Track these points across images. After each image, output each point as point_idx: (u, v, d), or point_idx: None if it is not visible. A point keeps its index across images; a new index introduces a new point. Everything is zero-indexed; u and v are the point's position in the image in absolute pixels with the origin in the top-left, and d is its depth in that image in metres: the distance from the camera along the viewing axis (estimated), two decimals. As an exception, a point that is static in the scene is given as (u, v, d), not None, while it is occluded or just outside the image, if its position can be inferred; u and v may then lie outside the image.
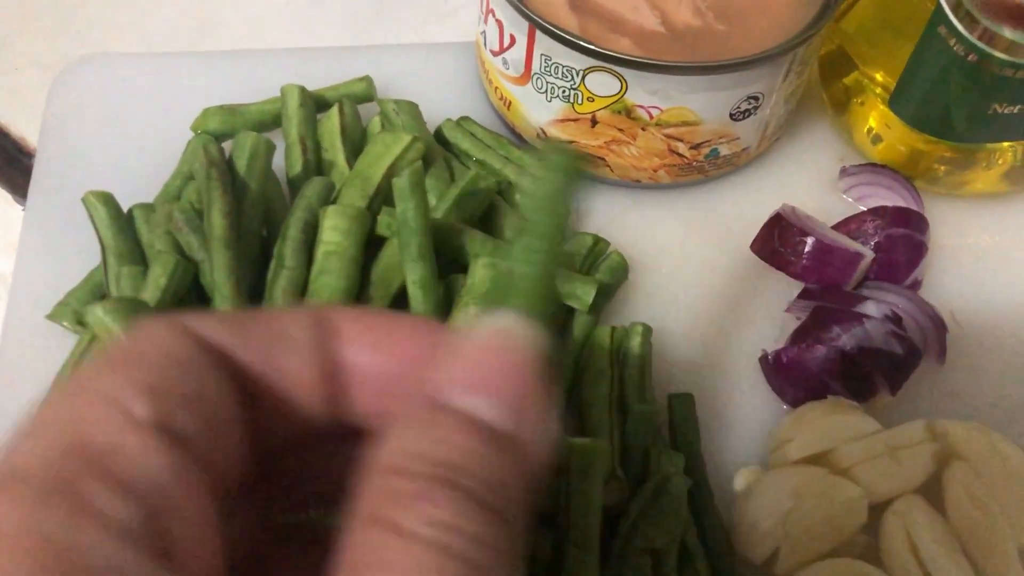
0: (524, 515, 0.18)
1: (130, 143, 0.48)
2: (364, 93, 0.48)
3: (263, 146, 0.41)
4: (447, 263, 0.40)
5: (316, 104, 0.47)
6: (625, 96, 0.42)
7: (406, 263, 0.37)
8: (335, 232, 0.37)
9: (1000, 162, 0.47)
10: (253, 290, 0.38)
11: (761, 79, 0.42)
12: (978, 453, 0.38)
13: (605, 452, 0.34)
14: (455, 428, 0.18)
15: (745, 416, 0.41)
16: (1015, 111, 0.42)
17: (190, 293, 0.37)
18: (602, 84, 0.42)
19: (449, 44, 0.53)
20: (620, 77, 0.41)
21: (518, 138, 0.48)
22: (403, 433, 0.19)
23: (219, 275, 0.35)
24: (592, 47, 0.40)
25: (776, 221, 0.43)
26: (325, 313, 0.21)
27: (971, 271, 0.47)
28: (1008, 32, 0.38)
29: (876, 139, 0.48)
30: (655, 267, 0.46)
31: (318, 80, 0.49)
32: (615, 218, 0.47)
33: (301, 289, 0.37)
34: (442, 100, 0.50)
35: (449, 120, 0.47)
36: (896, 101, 0.45)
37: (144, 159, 0.47)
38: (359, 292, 0.38)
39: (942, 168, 0.47)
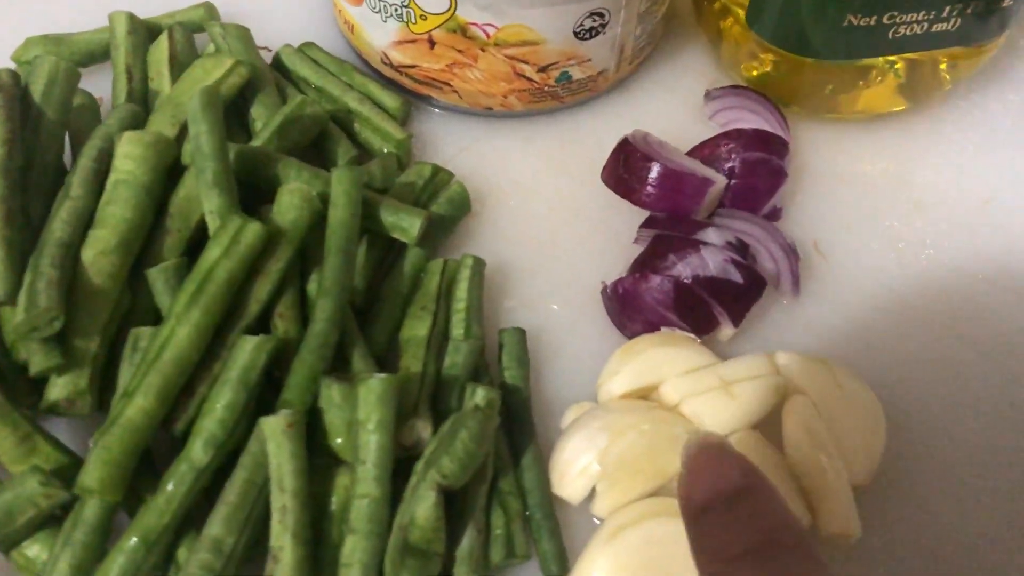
0: None
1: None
2: (204, 20, 0.45)
3: (63, 72, 0.38)
4: (261, 193, 0.38)
5: (151, 32, 0.44)
6: (457, 13, 0.39)
7: (202, 191, 0.35)
8: (128, 160, 0.35)
9: (879, 80, 0.44)
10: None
11: (602, -7, 0.39)
12: (818, 387, 0.36)
13: (396, 386, 0.31)
14: None
15: (585, 351, 0.39)
16: (872, 23, 0.39)
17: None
18: (431, 0, 0.39)
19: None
20: (448, -8, 0.38)
21: (366, 64, 0.46)
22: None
23: (-11, 204, 0.33)
24: (412, -42, 0.38)
25: (622, 148, 0.41)
26: None
27: (837, 199, 0.44)
28: (853, -66, 0.36)
29: (749, 62, 0.45)
30: (504, 199, 0.43)
31: (161, 9, 0.46)
32: (466, 147, 0.45)
33: (86, 220, 0.34)
34: (296, 28, 0.47)
35: (288, 46, 0.44)
36: (754, 19, 0.42)
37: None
38: (156, 224, 0.36)
39: (828, 87, 0.45)
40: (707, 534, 0.25)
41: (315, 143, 0.41)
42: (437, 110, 0.45)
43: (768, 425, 0.36)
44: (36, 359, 0.31)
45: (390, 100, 0.43)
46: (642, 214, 0.41)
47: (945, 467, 0.37)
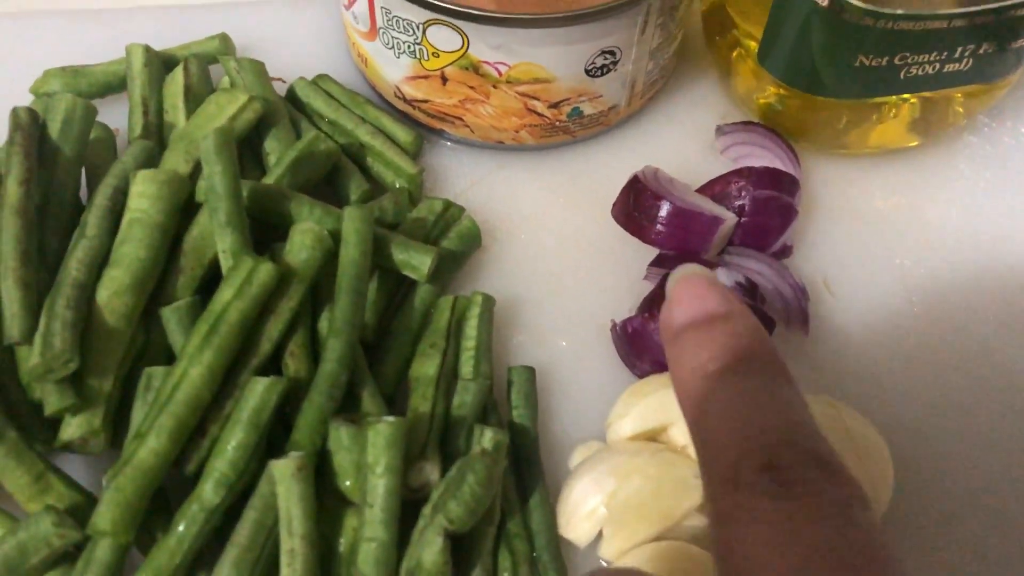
0: None
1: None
2: (219, 52, 0.46)
3: (80, 109, 0.39)
4: (273, 230, 0.38)
5: (167, 65, 0.45)
6: (469, 51, 0.39)
7: (216, 230, 0.35)
8: (142, 199, 0.35)
9: (893, 115, 0.44)
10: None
11: (613, 32, 0.39)
12: (826, 429, 0.36)
13: (404, 430, 0.32)
14: None
15: (594, 390, 0.39)
16: (883, 63, 0.39)
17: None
18: (444, 39, 0.39)
19: (321, -1, 0.51)
20: (460, 31, 0.39)
21: (379, 97, 0.46)
22: None
23: (6, 244, 0.33)
24: (425, -1, 0.38)
25: (632, 185, 0.41)
26: None
27: (848, 236, 0.44)
28: (865, -22, 0.36)
29: (760, 97, 0.45)
30: (515, 233, 0.43)
31: (178, 40, 0.46)
32: (478, 181, 0.45)
33: (101, 260, 0.35)
34: (311, 59, 0.48)
35: (302, 79, 0.45)
36: (765, 56, 0.42)
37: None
38: (170, 261, 0.36)
39: (841, 122, 0.44)
40: (684, 351, 0.26)
41: (328, 177, 0.42)
42: (449, 143, 0.46)
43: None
44: (51, 400, 0.32)
45: (403, 134, 0.44)
46: (653, 249, 0.42)
47: (953, 509, 0.37)
